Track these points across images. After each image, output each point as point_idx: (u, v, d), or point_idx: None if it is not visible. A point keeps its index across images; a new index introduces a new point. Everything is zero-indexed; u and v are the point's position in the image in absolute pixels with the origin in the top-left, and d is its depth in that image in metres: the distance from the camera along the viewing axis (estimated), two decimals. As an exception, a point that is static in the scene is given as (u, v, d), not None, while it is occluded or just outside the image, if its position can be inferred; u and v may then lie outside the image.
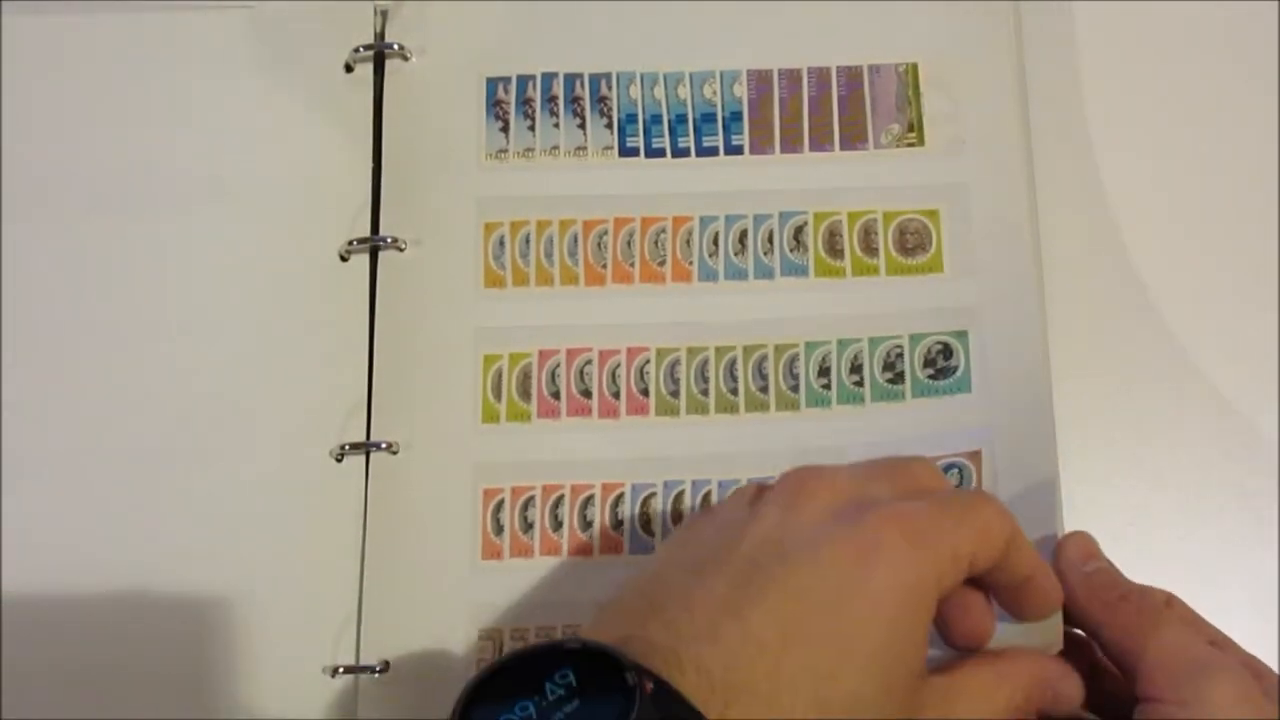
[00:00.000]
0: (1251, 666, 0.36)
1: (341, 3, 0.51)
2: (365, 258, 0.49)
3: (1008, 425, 0.45)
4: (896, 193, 0.48)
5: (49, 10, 0.52)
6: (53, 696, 0.45)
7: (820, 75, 0.50)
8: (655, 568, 0.36)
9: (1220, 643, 0.37)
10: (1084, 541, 0.40)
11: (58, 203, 0.50)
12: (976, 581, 0.36)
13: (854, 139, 0.49)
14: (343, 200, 0.50)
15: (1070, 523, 0.44)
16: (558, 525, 0.46)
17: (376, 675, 0.44)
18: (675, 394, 0.47)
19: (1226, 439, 0.47)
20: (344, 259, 0.49)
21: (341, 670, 0.45)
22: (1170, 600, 0.38)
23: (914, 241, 0.48)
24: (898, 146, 0.49)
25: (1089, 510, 0.45)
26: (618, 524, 0.46)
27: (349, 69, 0.51)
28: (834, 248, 0.48)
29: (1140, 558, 0.45)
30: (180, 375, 0.48)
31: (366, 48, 0.51)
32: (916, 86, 0.49)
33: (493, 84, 0.50)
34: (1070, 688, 0.37)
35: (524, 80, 0.50)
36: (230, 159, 0.50)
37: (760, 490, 0.37)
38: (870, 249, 0.48)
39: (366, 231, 0.49)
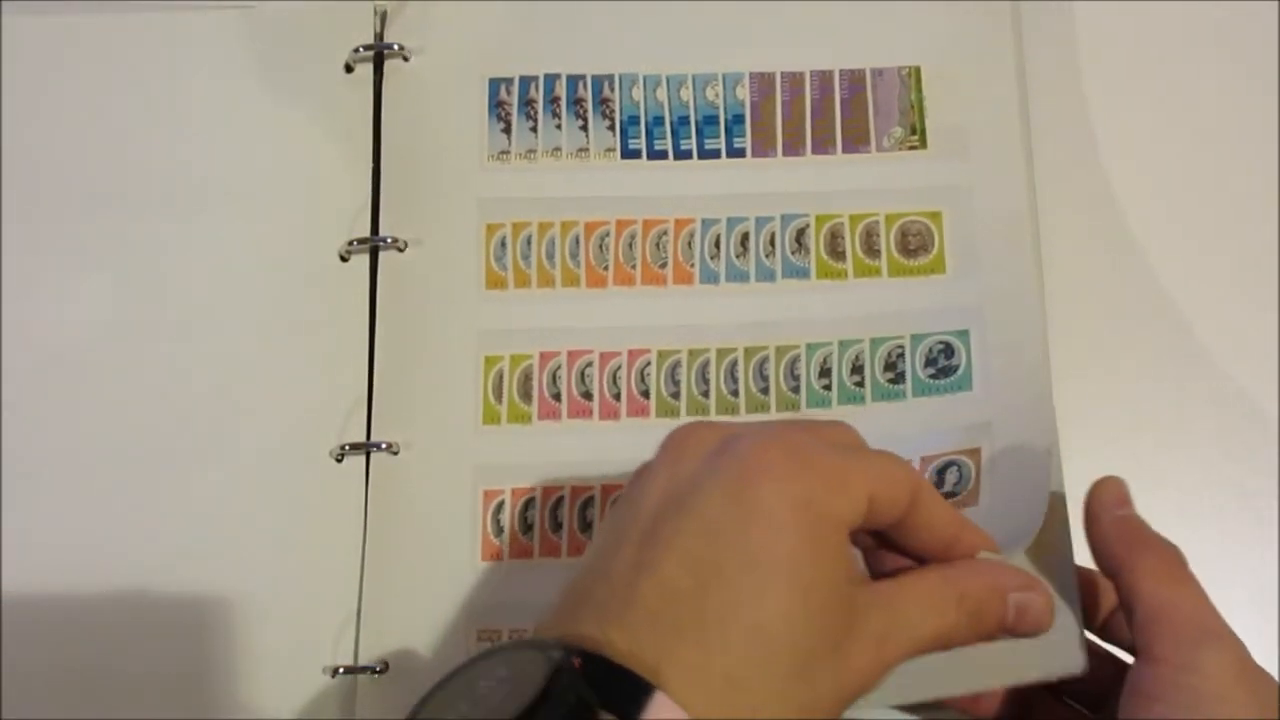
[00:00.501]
0: None
1: (341, 3, 0.51)
2: (365, 258, 0.49)
3: (1008, 424, 0.45)
4: (899, 195, 0.48)
5: (49, 10, 0.52)
6: (53, 696, 0.45)
7: (823, 78, 0.50)
8: (582, 563, 0.35)
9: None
10: (1117, 486, 0.39)
11: (58, 203, 0.50)
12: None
13: (856, 142, 0.49)
14: (343, 200, 0.50)
15: (1070, 523, 0.44)
16: (558, 527, 0.46)
17: (376, 675, 0.44)
18: (676, 395, 0.47)
19: (1226, 439, 0.47)
20: (344, 259, 0.49)
21: (341, 670, 0.45)
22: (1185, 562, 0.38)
23: (916, 243, 0.48)
24: (900, 149, 0.49)
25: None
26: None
27: (349, 69, 0.51)
28: (836, 250, 0.48)
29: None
30: (180, 375, 0.48)
31: (366, 48, 0.51)
32: (919, 89, 0.49)
33: (495, 85, 0.50)
34: (1036, 601, 0.35)
35: (526, 81, 0.50)
36: (230, 159, 0.50)
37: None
38: (872, 251, 0.48)
39: (367, 232, 0.49)
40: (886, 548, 0.36)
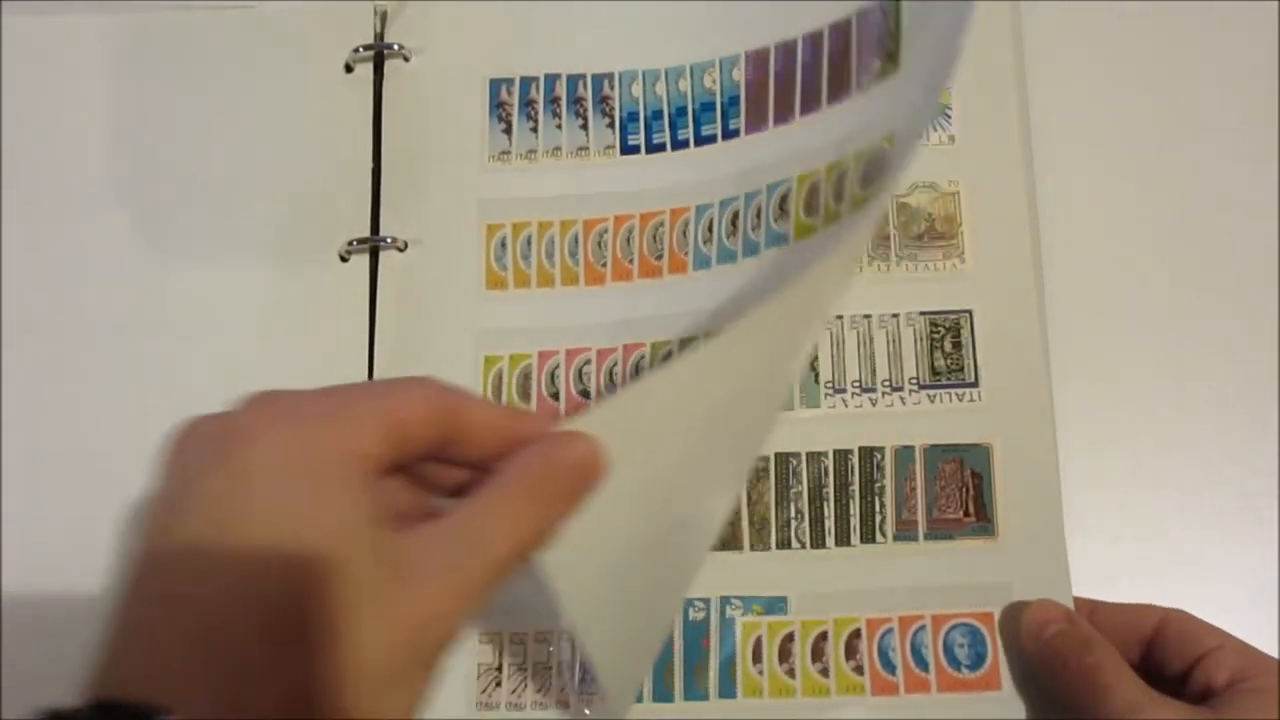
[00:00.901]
0: (1247, 654, 0.39)
1: (341, 3, 0.51)
2: (365, 258, 0.49)
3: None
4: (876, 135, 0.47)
5: (49, 10, 0.52)
6: (53, 696, 0.44)
7: (814, 40, 0.49)
8: None
9: (1219, 647, 0.39)
10: (1043, 609, 0.42)
11: (58, 202, 0.50)
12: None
13: (840, 90, 0.47)
14: (343, 200, 0.50)
15: (1070, 523, 0.44)
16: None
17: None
18: None
19: (1226, 439, 0.46)
20: (344, 259, 0.49)
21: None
22: (1167, 617, 0.40)
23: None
24: (878, 82, 0.46)
25: (1089, 510, 0.45)
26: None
27: (349, 69, 0.51)
28: (811, 206, 0.47)
29: (1140, 558, 0.45)
30: (180, 375, 0.48)
31: (366, 48, 0.51)
32: (898, 16, 0.46)
33: (496, 85, 0.50)
34: (580, 445, 0.34)
35: (527, 82, 0.50)
36: (230, 159, 0.50)
37: None
38: (839, 196, 0.46)
39: (366, 231, 0.49)
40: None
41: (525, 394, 0.47)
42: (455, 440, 0.33)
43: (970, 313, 0.46)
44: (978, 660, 0.43)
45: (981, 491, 0.44)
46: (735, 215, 0.48)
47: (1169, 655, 0.40)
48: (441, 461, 0.34)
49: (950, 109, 0.49)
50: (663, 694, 0.43)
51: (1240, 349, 0.47)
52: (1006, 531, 0.44)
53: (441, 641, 0.30)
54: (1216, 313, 0.48)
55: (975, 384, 0.46)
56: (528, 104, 0.50)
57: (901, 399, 0.46)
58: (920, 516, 0.45)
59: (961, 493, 0.45)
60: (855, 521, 0.45)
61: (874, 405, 0.46)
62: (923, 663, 0.43)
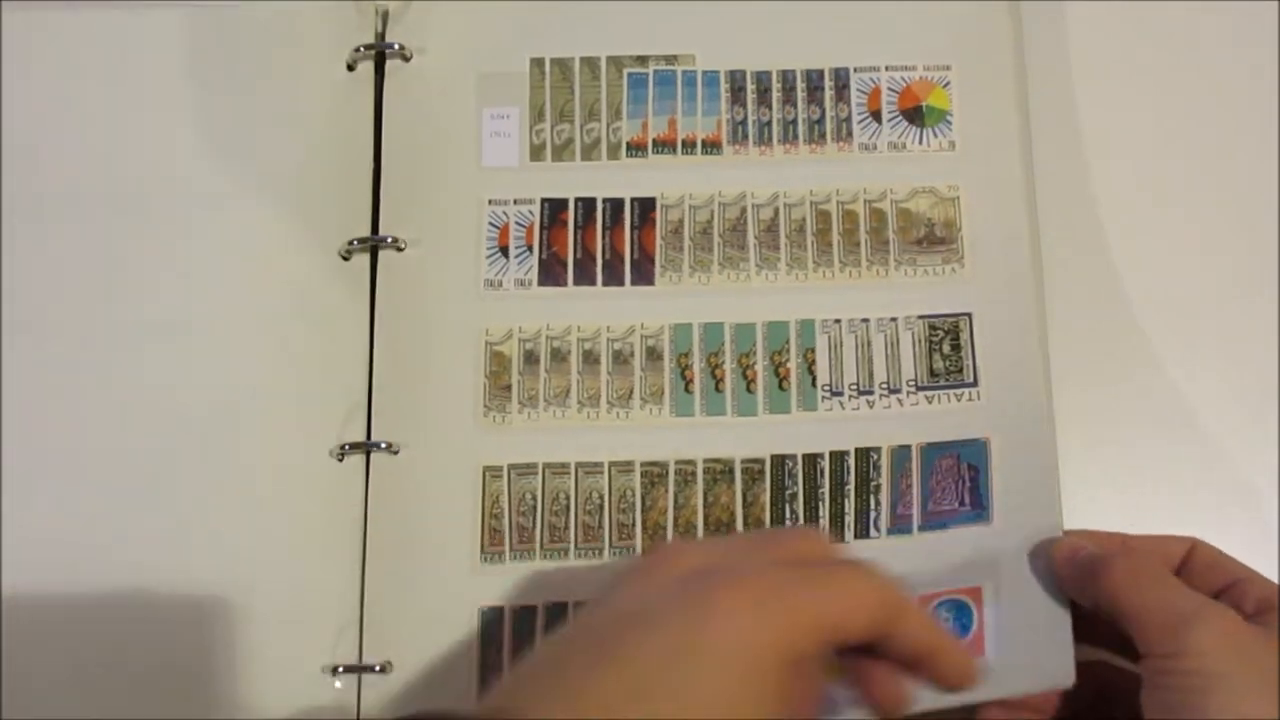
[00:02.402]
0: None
1: (342, 2, 0.51)
2: (365, 257, 0.49)
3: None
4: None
5: (49, 8, 0.52)
6: (53, 696, 0.45)
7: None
8: (536, 652, 0.37)
9: (1246, 579, 0.39)
10: (1066, 544, 0.41)
11: (57, 202, 0.50)
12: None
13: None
14: (343, 200, 0.50)
15: (1070, 523, 0.44)
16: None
17: (377, 674, 0.44)
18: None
19: (1226, 439, 0.47)
20: (344, 259, 0.49)
21: (342, 670, 0.45)
22: (1195, 546, 0.40)
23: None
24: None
25: (1089, 510, 0.45)
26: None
27: (350, 68, 0.51)
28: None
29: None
30: (180, 375, 0.48)
31: (367, 47, 0.51)
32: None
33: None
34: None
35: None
36: (230, 158, 0.50)
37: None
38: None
39: (367, 231, 0.49)
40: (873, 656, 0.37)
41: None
42: (885, 641, 0.35)
43: (970, 315, 0.47)
44: (962, 632, 0.43)
45: (978, 483, 0.45)
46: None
47: (1196, 582, 0.40)
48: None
49: (951, 114, 0.49)
50: None
51: (1240, 349, 0.48)
52: (1002, 518, 0.44)
53: None
54: (1217, 312, 0.48)
55: (974, 384, 0.46)
56: None
57: (899, 400, 0.46)
58: (915, 510, 0.45)
59: (958, 485, 0.45)
60: (850, 519, 0.45)
61: (871, 408, 0.46)
62: None
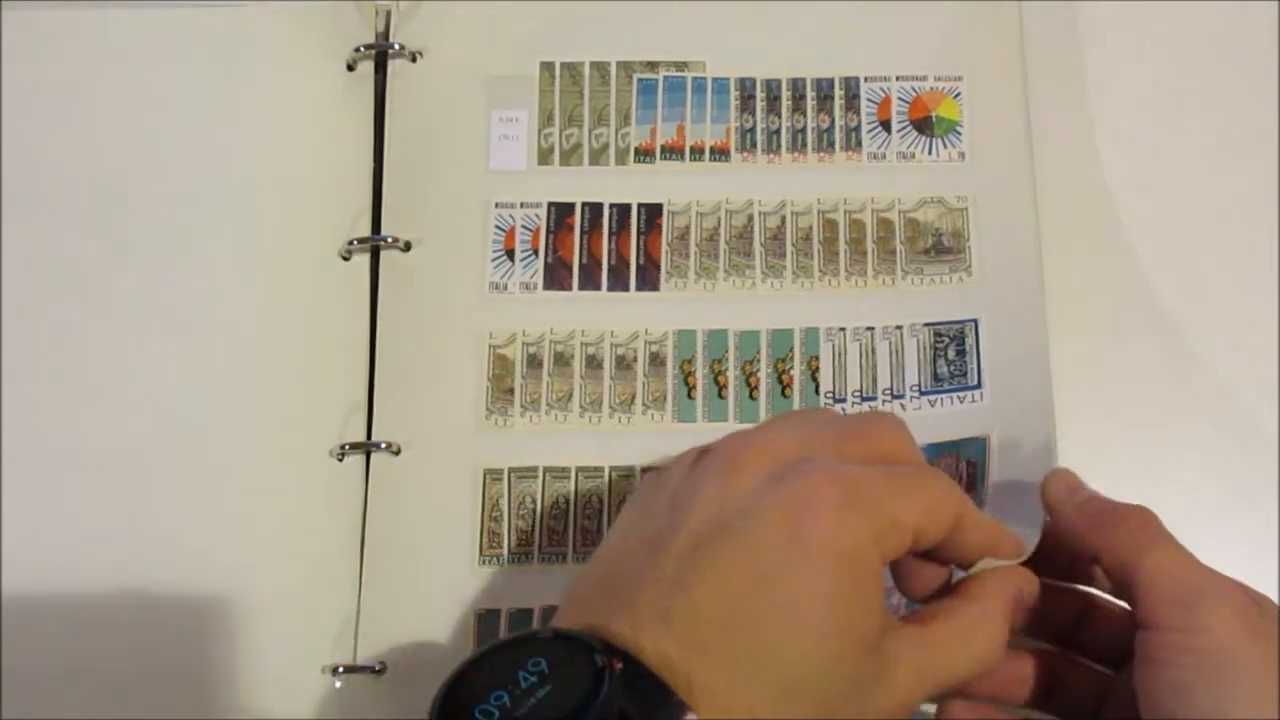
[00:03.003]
0: (1247, 593, 0.36)
1: (342, 2, 0.51)
2: (367, 257, 0.49)
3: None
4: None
5: (49, 8, 0.52)
6: (53, 696, 0.44)
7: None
8: (613, 548, 0.36)
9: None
10: (1067, 477, 0.39)
11: (57, 202, 0.50)
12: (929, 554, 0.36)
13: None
14: (344, 199, 0.50)
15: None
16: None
17: (375, 675, 0.44)
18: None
19: (1226, 438, 0.47)
20: (345, 258, 0.49)
21: (341, 670, 0.44)
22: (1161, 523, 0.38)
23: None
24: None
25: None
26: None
27: (350, 68, 0.51)
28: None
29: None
30: (181, 375, 0.48)
31: (368, 47, 0.51)
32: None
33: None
34: (1034, 590, 0.37)
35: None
36: (231, 157, 0.50)
37: (700, 453, 0.36)
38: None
39: (368, 231, 0.49)
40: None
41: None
42: (942, 545, 0.35)
43: (976, 321, 0.47)
44: None
45: (975, 478, 0.45)
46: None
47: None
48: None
49: (961, 125, 0.49)
50: None
51: (1240, 349, 0.48)
52: (994, 508, 0.44)
53: None
54: (1217, 313, 0.49)
55: (978, 386, 0.46)
56: None
57: (902, 405, 0.47)
58: None
59: (955, 480, 0.45)
60: None
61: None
62: None
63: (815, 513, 0.32)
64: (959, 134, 0.49)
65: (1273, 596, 0.45)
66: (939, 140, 0.49)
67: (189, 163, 0.50)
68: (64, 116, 0.51)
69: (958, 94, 0.50)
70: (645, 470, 0.46)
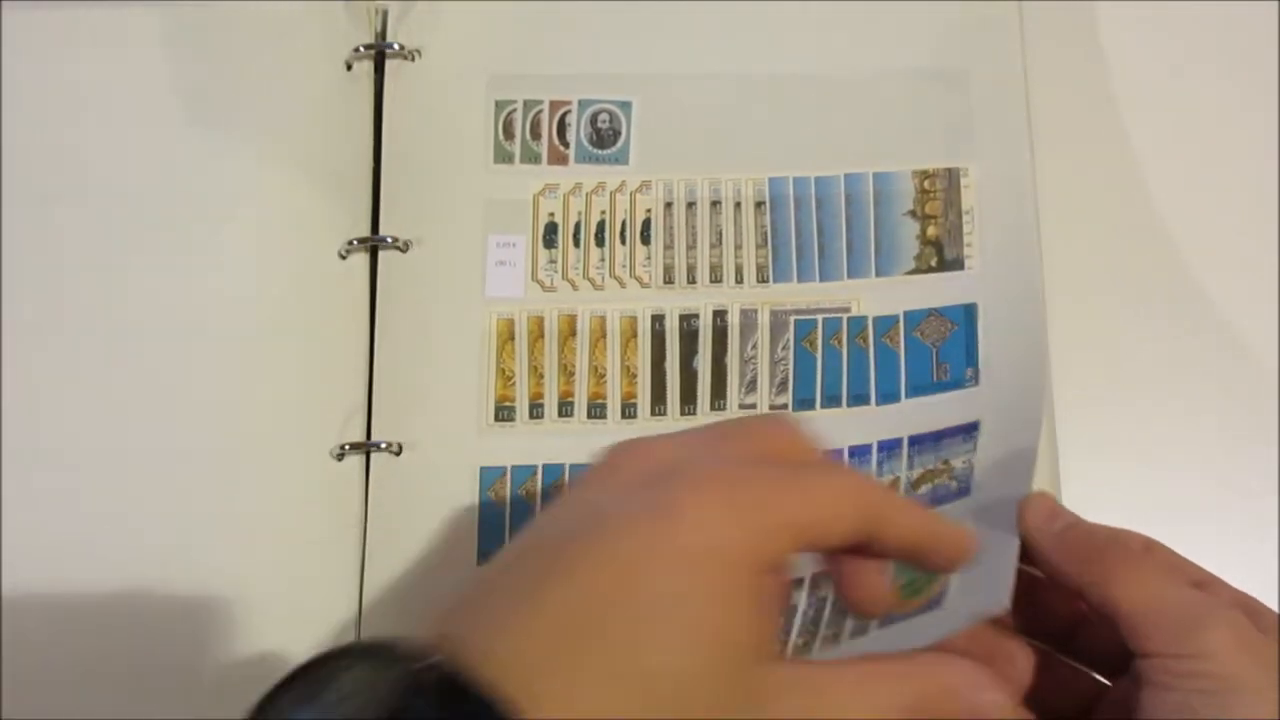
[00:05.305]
0: (1245, 604, 0.35)
1: (342, 2, 0.51)
2: (365, 257, 0.49)
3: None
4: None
5: (49, 8, 0.52)
6: (53, 696, 0.44)
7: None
8: (492, 561, 0.33)
9: (1206, 582, 0.36)
10: (1045, 502, 0.37)
11: (57, 202, 0.50)
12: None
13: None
14: (343, 199, 0.50)
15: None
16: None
17: (375, 675, 0.44)
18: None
19: (1227, 438, 0.47)
20: (344, 258, 0.49)
21: (341, 670, 0.45)
22: (1150, 545, 0.37)
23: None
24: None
25: (1088, 509, 0.45)
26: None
27: (349, 68, 0.51)
28: None
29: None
30: (180, 375, 0.48)
31: (367, 47, 0.51)
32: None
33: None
34: (993, 700, 0.32)
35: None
36: (230, 158, 0.50)
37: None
38: None
39: (367, 231, 0.49)
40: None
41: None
42: (871, 541, 0.32)
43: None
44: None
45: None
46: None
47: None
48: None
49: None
50: None
51: (1240, 349, 0.48)
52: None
53: None
54: (1216, 311, 0.48)
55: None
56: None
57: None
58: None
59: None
60: None
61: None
62: None
63: (683, 513, 0.29)
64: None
65: (1273, 596, 0.44)
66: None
67: (188, 163, 0.50)
68: (63, 116, 0.51)
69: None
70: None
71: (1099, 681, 0.38)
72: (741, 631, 0.29)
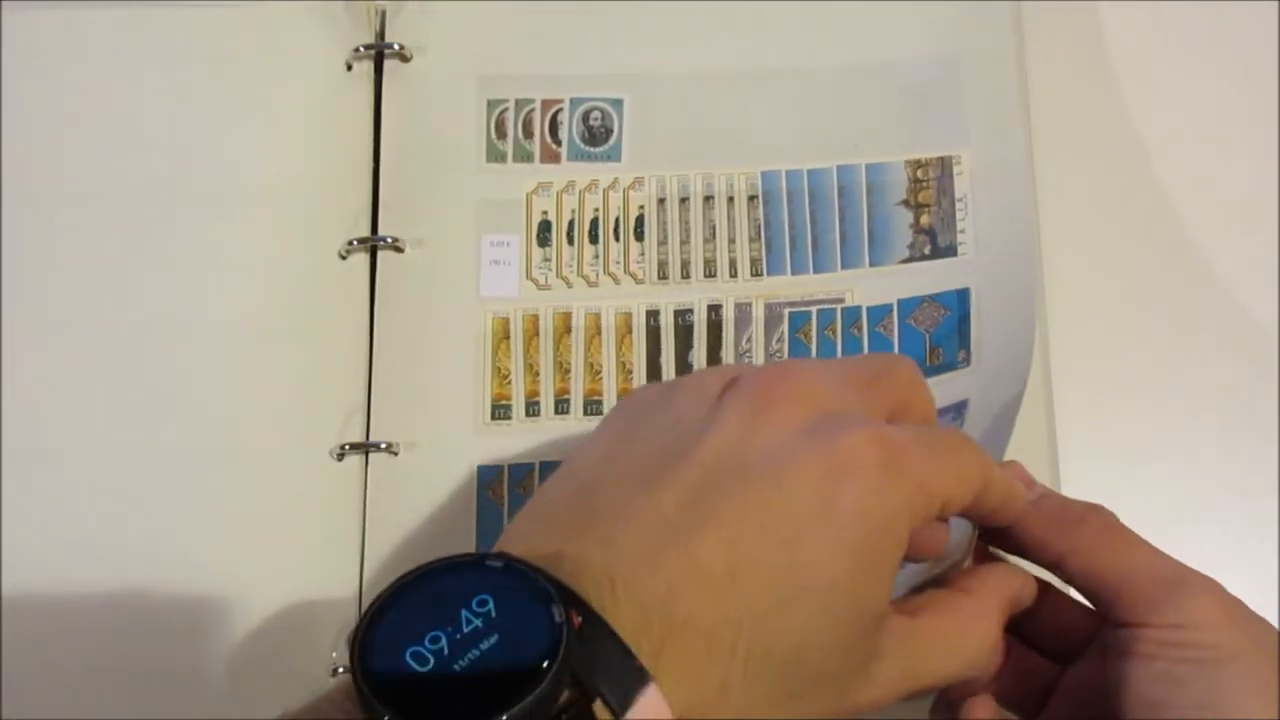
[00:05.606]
0: None
1: (341, 3, 0.51)
2: (365, 257, 0.49)
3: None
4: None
5: (49, 8, 0.52)
6: (53, 696, 0.44)
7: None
8: (594, 464, 0.31)
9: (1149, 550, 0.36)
10: (1019, 471, 0.37)
11: (57, 202, 0.50)
12: None
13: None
14: (342, 200, 0.50)
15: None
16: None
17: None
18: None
19: (1227, 437, 0.47)
20: (343, 258, 0.49)
21: (342, 671, 0.44)
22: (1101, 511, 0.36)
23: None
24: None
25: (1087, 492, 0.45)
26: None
27: (348, 68, 0.51)
28: None
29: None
30: (180, 375, 0.48)
31: (367, 48, 0.51)
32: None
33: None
34: (1031, 594, 0.35)
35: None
36: (229, 158, 0.50)
37: (726, 383, 0.32)
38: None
39: (366, 231, 0.49)
40: None
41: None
42: (973, 509, 0.33)
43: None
44: None
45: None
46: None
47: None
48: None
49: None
50: None
51: (1241, 349, 0.48)
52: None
53: None
54: (1217, 312, 0.48)
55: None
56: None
57: None
58: None
59: None
60: None
61: None
62: None
63: (856, 477, 0.29)
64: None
65: (1273, 596, 0.45)
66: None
67: (187, 163, 0.50)
68: (64, 116, 0.51)
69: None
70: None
71: (1053, 670, 0.37)
72: (878, 599, 0.30)
